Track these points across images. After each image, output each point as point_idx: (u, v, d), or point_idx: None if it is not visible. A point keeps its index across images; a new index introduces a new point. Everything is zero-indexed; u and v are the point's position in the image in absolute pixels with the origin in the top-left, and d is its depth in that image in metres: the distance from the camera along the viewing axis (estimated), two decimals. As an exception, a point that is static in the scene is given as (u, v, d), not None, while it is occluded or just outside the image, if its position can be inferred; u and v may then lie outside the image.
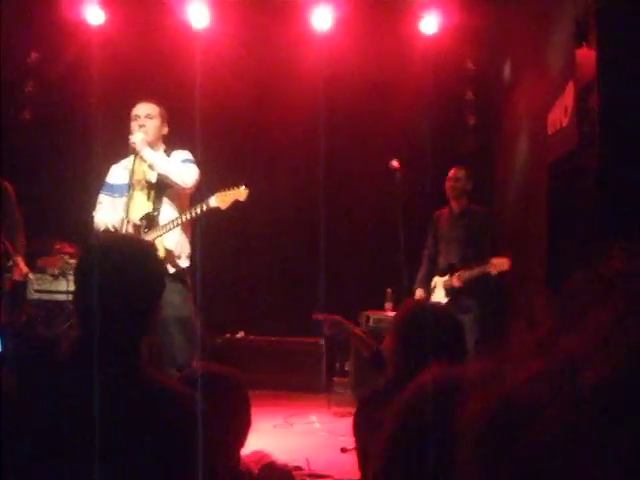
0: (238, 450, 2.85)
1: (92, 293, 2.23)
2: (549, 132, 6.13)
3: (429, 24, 8.04)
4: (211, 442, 2.20)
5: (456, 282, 6.69)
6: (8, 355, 2.10)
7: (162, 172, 5.14)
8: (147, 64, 8.07)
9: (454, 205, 7.01)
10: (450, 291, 6.81)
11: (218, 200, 5.00)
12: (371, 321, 7.76)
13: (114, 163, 5.54)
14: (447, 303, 6.71)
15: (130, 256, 2.30)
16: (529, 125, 7.29)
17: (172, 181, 5.15)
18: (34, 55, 8.60)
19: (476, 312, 6.62)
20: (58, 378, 2.18)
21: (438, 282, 6.94)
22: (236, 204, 5.04)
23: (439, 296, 6.88)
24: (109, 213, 5.30)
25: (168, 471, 2.06)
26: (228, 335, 8.48)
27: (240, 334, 8.60)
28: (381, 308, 7.89)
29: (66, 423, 2.05)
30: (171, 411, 2.13)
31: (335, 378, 8.20)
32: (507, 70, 8.18)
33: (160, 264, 2.47)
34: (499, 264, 6.33)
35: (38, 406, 2.05)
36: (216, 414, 2.43)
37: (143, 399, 2.13)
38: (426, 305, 3.10)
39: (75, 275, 2.37)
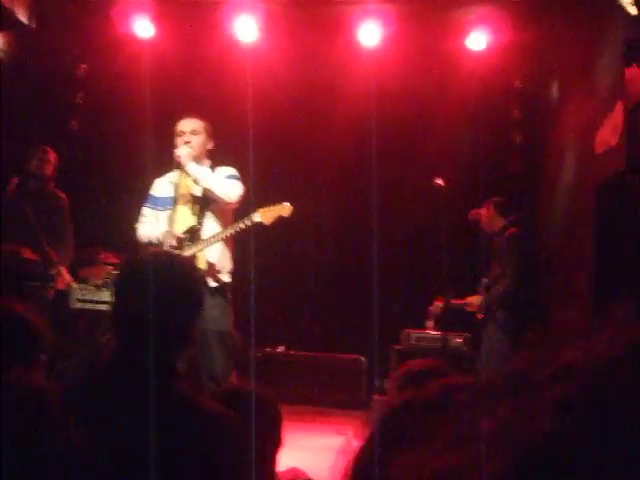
0: (270, 468, 2.84)
1: (130, 307, 2.24)
2: (597, 152, 6.04)
3: (477, 41, 7.95)
4: (244, 461, 2.19)
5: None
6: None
7: (206, 186, 5.16)
8: (194, 78, 8.13)
9: None
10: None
11: (262, 216, 5.01)
12: (412, 339, 7.72)
13: (158, 176, 5.57)
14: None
15: (169, 272, 2.31)
16: (576, 145, 7.19)
17: (216, 196, 5.16)
18: (83, 67, 8.71)
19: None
20: (97, 391, 2.18)
21: None
22: (280, 220, 5.04)
23: None
24: (152, 226, 5.33)
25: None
26: (268, 349, 8.47)
27: (280, 348, 8.58)
28: (422, 326, 7.84)
29: (102, 439, 2.04)
30: (204, 431, 2.12)
31: (375, 396, 8.15)
32: (554, 89, 8.08)
33: (199, 281, 2.47)
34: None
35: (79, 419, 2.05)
36: (247, 433, 2.42)
37: (177, 418, 2.13)
38: None
39: (114, 288, 2.39)
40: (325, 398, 8.08)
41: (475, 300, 7.20)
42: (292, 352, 8.55)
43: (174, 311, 2.25)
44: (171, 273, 2.31)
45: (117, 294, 2.36)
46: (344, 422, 7.39)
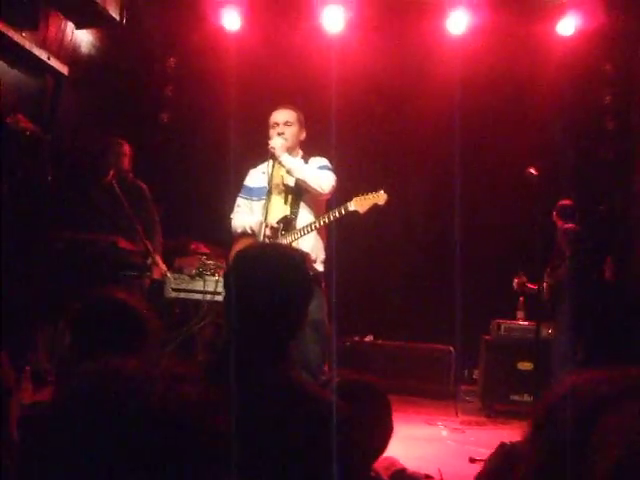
0: (378, 457, 2.85)
1: (243, 298, 2.25)
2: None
3: (567, 26, 7.81)
4: (355, 450, 2.20)
5: None
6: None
7: (300, 177, 5.18)
8: (282, 69, 8.17)
9: None
10: None
11: (357, 204, 5.00)
12: (502, 330, 7.63)
13: (252, 167, 5.62)
14: None
15: (283, 265, 2.30)
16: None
17: (309, 187, 5.18)
18: (172, 60, 8.85)
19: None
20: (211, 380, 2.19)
21: None
22: (374, 209, 5.03)
23: None
24: (247, 216, 5.39)
25: (309, 476, 2.06)
26: (357, 338, 8.49)
27: (369, 338, 8.59)
28: (513, 317, 7.75)
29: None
30: (319, 418, 2.12)
31: (463, 386, 8.10)
32: (648, 73, 7.88)
33: (309, 274, 2.47)
34: None
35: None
36: (362, 423, 2.42)
37: (293, 406, 2.13)
38: None
39: (228, 281, 2.38)
40: (413, 388, 8.05)
41: (543, 286, 7.12)
42: (380, 341, 8.56)
43: (288, 300, 2.26)
44: (284, 265, 2.31)
45: (230, 285, 2.36)
46: (433, 412, 7.38)
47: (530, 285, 7.34)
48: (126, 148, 6.96)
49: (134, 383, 1.17)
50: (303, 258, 2.50)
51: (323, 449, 2.09)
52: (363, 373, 2.97)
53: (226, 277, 2.41)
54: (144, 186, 7.00)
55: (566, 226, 7.02)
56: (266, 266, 2.26)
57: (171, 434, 1.12)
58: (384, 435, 2.80)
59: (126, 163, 6.94)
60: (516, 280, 7.45)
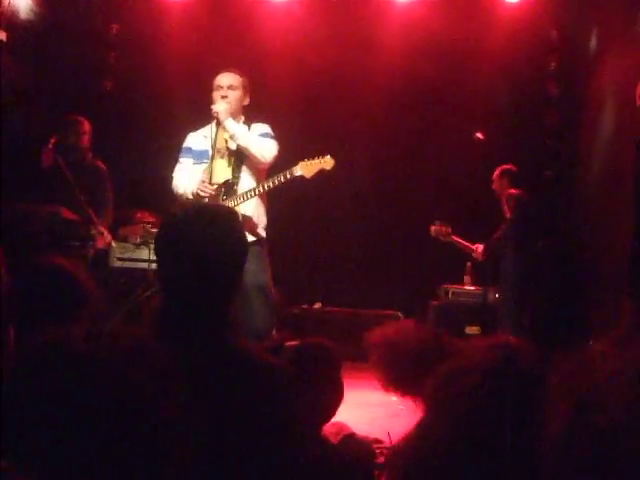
0: (327, 421, 2.85)
1: (176, 262, 2.18)
2: (638, 104, 5.92)
3: (512, -9, 7.83)
4: (301, 414, 2.18)
5: None
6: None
7: (243, 144, 5.12)
8: (227, 36, 8.05)
9: None
10: None
11: (303, 169, 4.95)
12: (450, 294, 7.69)
13: (191, 131, 5.54)
14: None
15: (213, 224, 2.22)
16: (616, 97, 7.06)
17: (251, 154, 5.12)
18: (115, 27, 8.68)
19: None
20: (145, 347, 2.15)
21: None
22: (320, 174, 4.99)
23: None
24: (188, 179, 5.29)
25: (256, 442, 2.04)
26: (305, 306, 8.50)
27: (317, 305, 8.60)
28: (461, 282, 7.81)
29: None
30: (262, 383, 2.09)
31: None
32: (593, 39, 7.91)
33: (242, 231, 2.41)
34: None
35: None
36: (311, 386, 2.41)
37: (233, 370, 2.09)
38: None
39: (157, 245, 2.31)
40: (362, 354, 8.06)
41: (479, 247, 7.19)
42: (329, 308, 8.58)
43: (221, 262, 2.20)
44: (215, 224, 2.23)
45: (161, 250, 2.27)
46: (382, 377, 7.40)
47: (457, 238, 7.35)
48: (86, 126, 6.87)
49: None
50: (236, 217, 2.44)
51: (268, 414, 2.06)
52: (316, 337, 2.96)
53: (156, 241, 2.33)
54: (103, 166, 6.91)
55: (510, 191, 7.05)
56: (195, 227, 2.17)
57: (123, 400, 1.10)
58: (333, 398, 2.80)
59: (86, 141, 6.85)
60: (433, 228, 7.37)
